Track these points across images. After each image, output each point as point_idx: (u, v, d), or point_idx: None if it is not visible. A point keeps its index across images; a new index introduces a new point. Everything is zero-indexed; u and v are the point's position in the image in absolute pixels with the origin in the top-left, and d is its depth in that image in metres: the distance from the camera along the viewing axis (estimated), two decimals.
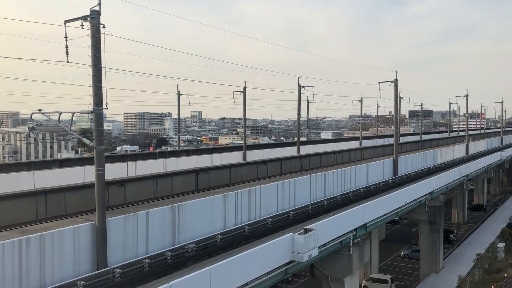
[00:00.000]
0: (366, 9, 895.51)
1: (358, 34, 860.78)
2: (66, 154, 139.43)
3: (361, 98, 73.43)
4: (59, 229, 15.98)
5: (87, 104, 17.15)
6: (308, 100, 64.01)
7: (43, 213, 19.57)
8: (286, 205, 27.79)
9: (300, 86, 50.82)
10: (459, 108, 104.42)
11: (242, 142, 53.81)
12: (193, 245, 20.01)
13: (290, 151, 54.46)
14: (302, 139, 64.24)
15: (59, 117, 17.69)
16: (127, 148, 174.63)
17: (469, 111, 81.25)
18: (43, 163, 40.39)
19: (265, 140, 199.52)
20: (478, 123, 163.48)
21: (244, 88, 49.12)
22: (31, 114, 18.00)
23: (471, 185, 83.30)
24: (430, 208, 46.93)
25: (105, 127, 25.67)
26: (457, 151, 66.02)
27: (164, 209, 19.86)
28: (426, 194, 44.57)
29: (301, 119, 54.71)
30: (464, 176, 59.82)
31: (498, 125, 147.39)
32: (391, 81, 44.39)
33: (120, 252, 17.89)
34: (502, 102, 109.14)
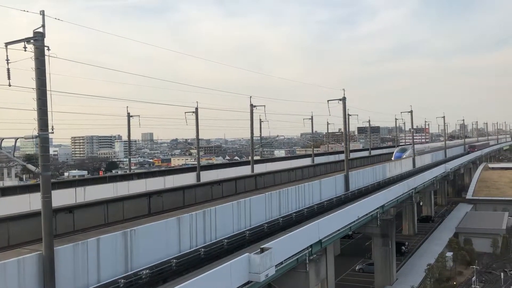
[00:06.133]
0: (318, 29, 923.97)
1: (309, 53, 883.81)
2: (10, 182, 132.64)
3: (312, 116, 75.01)
4: (1, 262, 15.04)
5: (32, 128, 16.46)
6: (260, 119, 64.59)
7: None
8: (242, 224, 27.61)
9: (252, 106, 51.21)
10: (404, 123, 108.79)
11: (196, 163, 53.32)
12: (147, 271, 19.40)
13: (245, 170, 54.50)
14: (256, 157, 64.48)
15: (0, 143, 16.85)
16: (75, 173, 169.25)
17: (414, 126, 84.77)
18: None
19: (219, 160, 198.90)
20: (423, 137, 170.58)
21: (196, 109, 48.96)
22: None
23: (420, 197, 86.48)
24: (382, 222, 48.17)
25: (51, 152, 24.72)
26: (405, 165, 68.47)
27: (116, 235, 19.17)
28: (377, 208, 45.75)
29: (254, 138, 55.04)
30: (412, 189, 62.01)
31: (442, 139, 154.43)
32: (340, 99, 45.55)
33: (70, 282, 17.05)
34: (444, 117, 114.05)
